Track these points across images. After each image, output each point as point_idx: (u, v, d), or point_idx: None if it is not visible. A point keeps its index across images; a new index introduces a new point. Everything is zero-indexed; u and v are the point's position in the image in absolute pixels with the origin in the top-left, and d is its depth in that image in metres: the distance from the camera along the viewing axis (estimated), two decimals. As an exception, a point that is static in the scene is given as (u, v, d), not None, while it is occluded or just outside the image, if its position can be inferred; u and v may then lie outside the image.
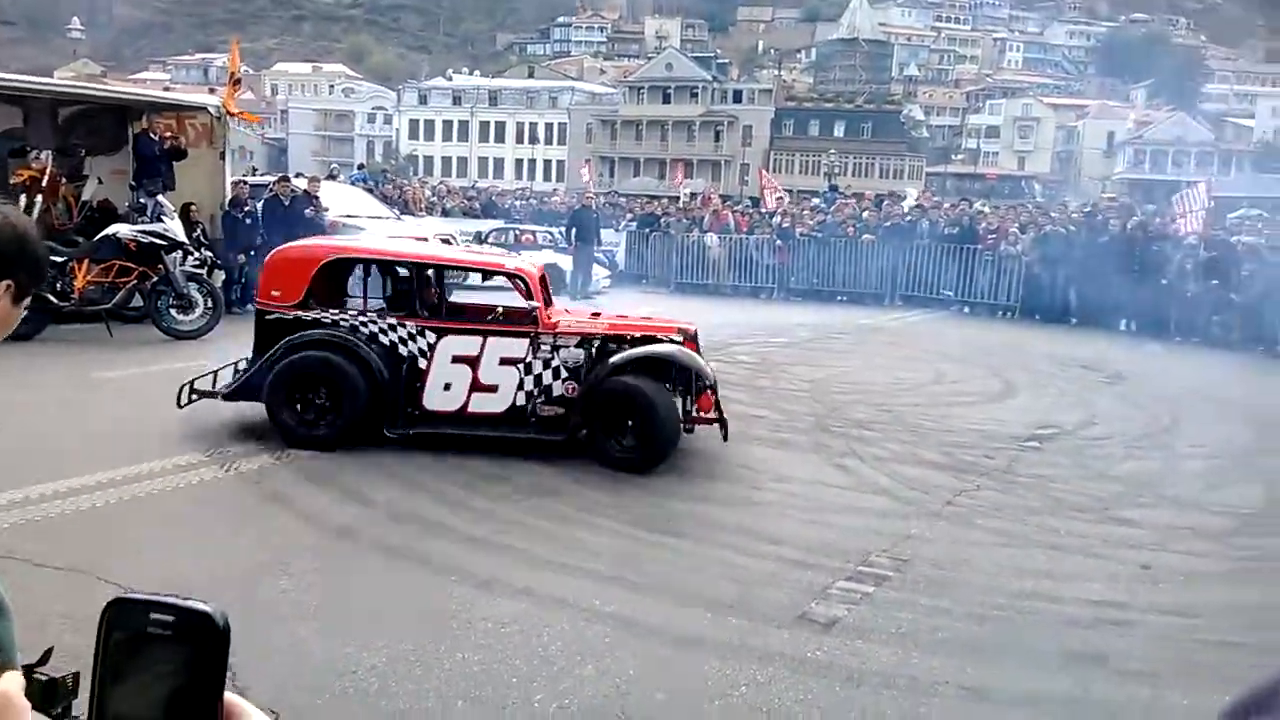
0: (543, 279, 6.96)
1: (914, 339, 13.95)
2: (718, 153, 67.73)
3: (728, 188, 52.74)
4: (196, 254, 11.09)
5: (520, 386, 6.64)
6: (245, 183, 14.03)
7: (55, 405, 7.49)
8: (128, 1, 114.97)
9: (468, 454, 6.45)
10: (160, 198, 11.10)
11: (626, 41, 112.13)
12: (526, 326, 6.69)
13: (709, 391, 6.69)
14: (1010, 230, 17.48)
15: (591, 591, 4.52)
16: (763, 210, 22.32)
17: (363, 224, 14.04)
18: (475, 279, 8.99)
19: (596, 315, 7.33)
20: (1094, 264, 15.23)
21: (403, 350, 6.65)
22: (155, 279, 10.46)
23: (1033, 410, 9.28)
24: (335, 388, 6.50)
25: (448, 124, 75.70)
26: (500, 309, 7.18)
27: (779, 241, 18.72)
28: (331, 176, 21.62)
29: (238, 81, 14.41)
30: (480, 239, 18.16)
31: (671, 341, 6.72)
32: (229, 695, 0.67)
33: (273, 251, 7.22)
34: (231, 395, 6.74)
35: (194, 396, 6.69)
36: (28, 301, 1.41)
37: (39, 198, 11.05)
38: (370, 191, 19.40)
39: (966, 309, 17.02)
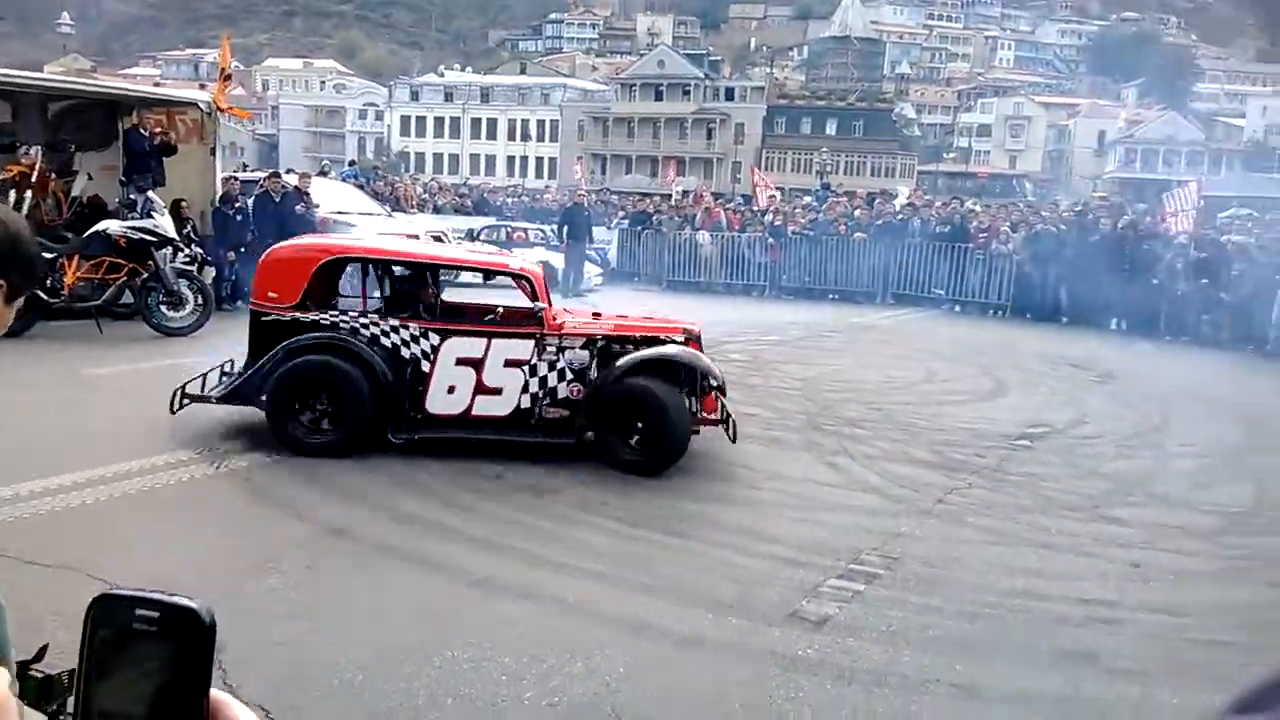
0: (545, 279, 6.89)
1: (905, 337, 13.97)
2: (710, 150, 67.70)
3: (720, 185, 52.71)
4: (187, 250, 11.03)
5: (525, 389, 6.50)
6: (236, 179, 13.95)
7: (45, 402, 7.44)
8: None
9: (452, 454, 6.42)
10: (150, 194, 11.04)
11: (618, 38, 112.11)
12: (532, 328, 6.57)
13: (713, 393, 6.66)
14: (1001, 229, 17.55)
15: (581, 589, 4.52)
16: (755, 208, 22.36)
17: (354, 221, 13.97)
18: (465, 277, 8.95)
19: (598, 315, 7.19)
20: (1085, 263, 15.28)
21: (406, 352, 6.47)
22: (145, 275, 10.41)
23: (1023, 409, 9.31)
24: (338, 392, 6.31)
25: (439, 120, 75.44)
26: (500, 309, 7.07)
27: (771, 239, 18.70)
28: (323, 173, 21.52)
29: (228, 77, 14.38)
30: (472, 236, 18.15)
31: (676, 342, 6.67)
32: (214, 691, 0.67)
33: (268, 251, 6.98)
34: (226, 399, 6.53)
35: (185, 401, 6.49)
36: (20, 302, 1.40)
37: (28, 193, 11.01)
38: (361, 188, 19.28)
39: (958, 307, 17.08)
